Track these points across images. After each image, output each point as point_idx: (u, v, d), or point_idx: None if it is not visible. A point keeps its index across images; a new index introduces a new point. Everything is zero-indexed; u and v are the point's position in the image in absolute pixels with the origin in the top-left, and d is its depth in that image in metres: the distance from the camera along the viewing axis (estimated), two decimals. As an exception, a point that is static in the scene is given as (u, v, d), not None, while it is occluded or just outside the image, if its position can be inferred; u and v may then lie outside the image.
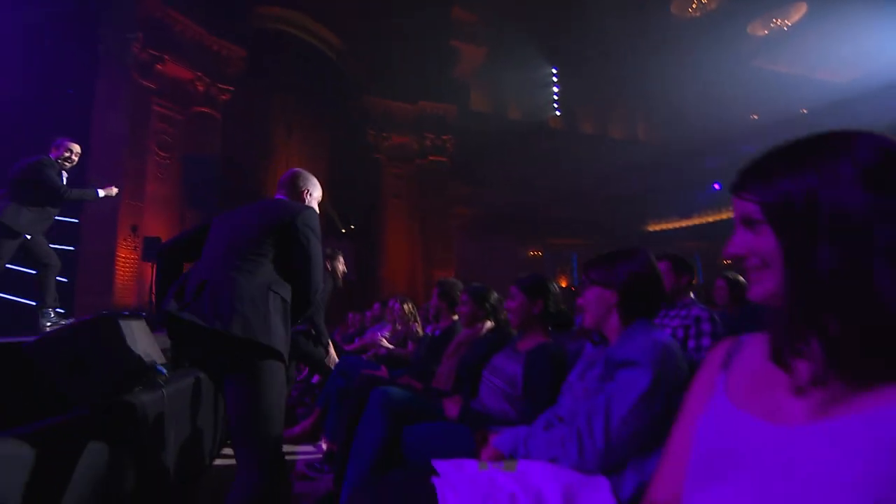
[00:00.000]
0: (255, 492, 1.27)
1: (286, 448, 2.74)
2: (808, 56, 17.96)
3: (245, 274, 1.43)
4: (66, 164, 3.59)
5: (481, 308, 2.20)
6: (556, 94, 18.39)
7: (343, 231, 12.00)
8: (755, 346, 0.62)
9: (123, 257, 7.69)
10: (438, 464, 0.92)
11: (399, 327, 3.96)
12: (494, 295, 2.24)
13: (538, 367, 1.41)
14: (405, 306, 3.90)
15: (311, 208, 1.73)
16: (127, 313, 4.32)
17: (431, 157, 13.79)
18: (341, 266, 3.56)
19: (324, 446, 2.53)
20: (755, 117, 19.86)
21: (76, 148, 3.63)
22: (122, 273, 7.54)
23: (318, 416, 2.98)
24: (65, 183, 3.55)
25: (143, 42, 8.35)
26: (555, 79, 18.31)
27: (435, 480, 0.85)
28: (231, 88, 10.23)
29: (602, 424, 0.85)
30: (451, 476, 0.86)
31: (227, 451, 2.83)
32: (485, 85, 17.05)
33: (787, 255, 0.53)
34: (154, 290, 7.11)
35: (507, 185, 16.70)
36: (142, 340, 1.66)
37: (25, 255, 3.54)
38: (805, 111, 17.91)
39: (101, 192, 3.81)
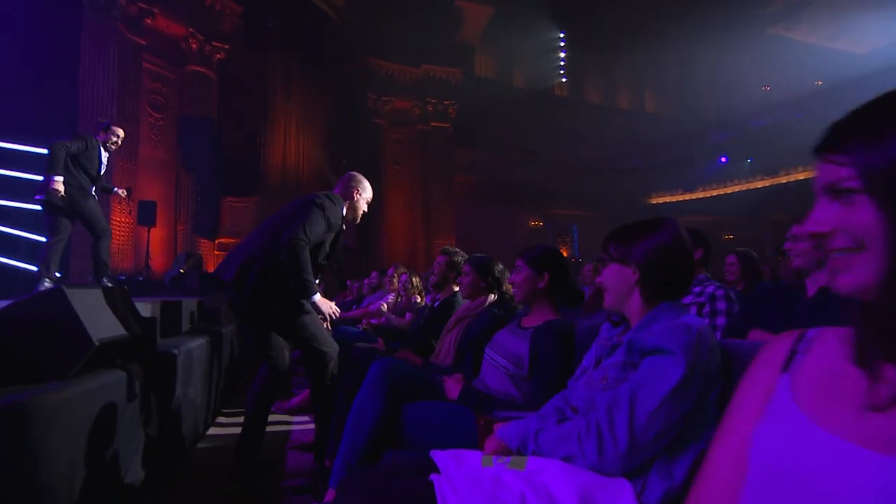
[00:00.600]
0: None
1: (282, 420, 2.77)
2: (827, 24, 17.29)
3: None
4: (112, 146, 3.99)
5: (484, 279, 2.08)
6: (562, 59, 17.82)
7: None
8: (830, 344, 0.51)
9: (118, 221, 7.54)
10: (437, 456, 0.82)
11: (401, 298, 3.87)
12: (499, 266, 2.12)
13: (545, 345, 1.30)
14: (413, 279, 3.80)
15: (337, 197, 2.15)
16: (90, 283, 4.25)
17: (434, 123, 13.45)
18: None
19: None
20: (767, 88, 19.34)
21: (120, 132, 4.04)
22: (116, 237, 7.40)
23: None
24: (104, 163, 3.95)
25: (129, -5, 7.94)
26: (562, 44, 17.71)
27: (434, 478, 0.76)
28: (226, 47, 9.83)
29: (626, 420, 0.74)
30: (452, 472, 0.77)
31: (223, 419, 2.79)
32: (490, 49, 16.48)
33: (892, 235, 0.42)
34: (149, 255, 6.90)
35: (510, 153, 16.39)
36: (97, 314, 1.52)
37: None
38: (820, 83, 17.38)
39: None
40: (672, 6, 15.39)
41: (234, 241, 9.68)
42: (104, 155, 3.96)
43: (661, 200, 17.43)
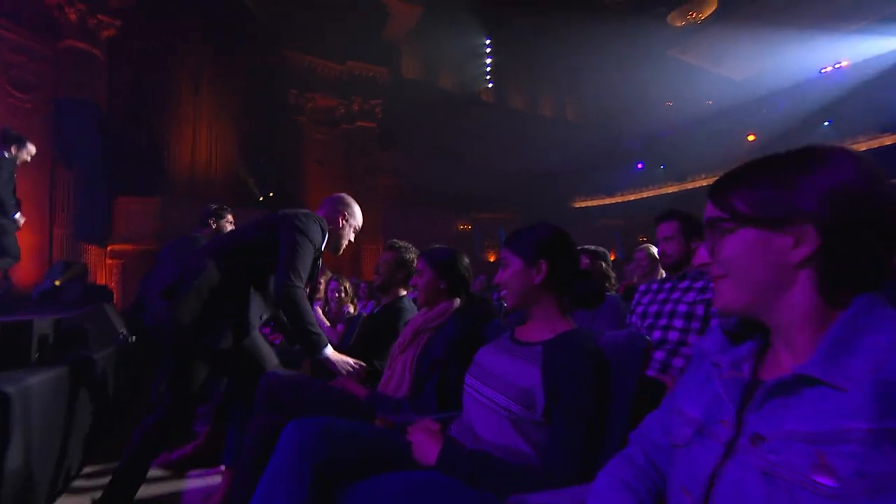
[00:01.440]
0: None
1: (168, 478, 2.01)
2: (711, 50, 19.29)
3: None
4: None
5: (445, 279, 1.60)
6: (488, 65, 18.02)
7: (260, 199, 10.77)
8: None
9: (-33, 223, 6.07)
10: None
11: (329, 307, 3.31)
12: (464, 260, 1.67)
13: (571, 372, 0.89)
14: (344, 285, 3.27)
15: (319, 218, 1.85)
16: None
17: (359, 123, 12.80)
18: (229, 226, 3.14)
19: (223, 475, 1.83)
20: (669, 104, 21.14)
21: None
22: (-36, 242, 5.96)
23: (215, 427, 2.27)
24: None
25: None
26: (488, 49, 17.91)
27: None
28: (117, 23, 8.51)
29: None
30: None
31: (82, 481, 2.07)
32: (417, 50, 16.19)
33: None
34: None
35: (437, 156, 16.21)
36: None
37: None
38: (710, 102, 19.34)
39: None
40: (587, 22, 16.17)
41: (131, 248, 8.36)
42: None
43: (583, 204, 18.16)
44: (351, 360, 1.72)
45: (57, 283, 5.71)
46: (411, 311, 2.01)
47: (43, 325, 2.12)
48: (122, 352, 2.32)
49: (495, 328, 1.44)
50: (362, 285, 5.15)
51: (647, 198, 16.77)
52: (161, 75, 9.54)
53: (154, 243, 7.44)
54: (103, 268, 7.97)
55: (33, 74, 7.50)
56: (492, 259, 16.43)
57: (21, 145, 3.59)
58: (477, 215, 17.00)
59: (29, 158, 3.64)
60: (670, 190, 16.38)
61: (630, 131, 20.17)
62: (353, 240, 2.06)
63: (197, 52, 10.27)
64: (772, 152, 0.58)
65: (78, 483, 1.98)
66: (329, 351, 1.69)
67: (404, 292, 2.12)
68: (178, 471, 2.11)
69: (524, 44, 17.58)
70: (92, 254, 7.71)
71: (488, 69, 18.09)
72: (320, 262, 1.88)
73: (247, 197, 10.62)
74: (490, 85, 18.40)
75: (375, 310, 2.27)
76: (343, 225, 1.98)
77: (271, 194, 10.90)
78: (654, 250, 2.84)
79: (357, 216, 2.03)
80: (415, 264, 2.01)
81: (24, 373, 1.68)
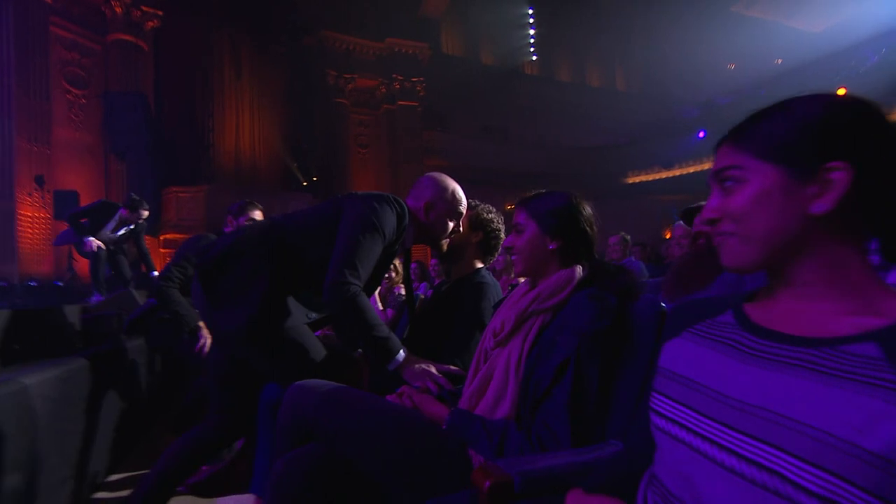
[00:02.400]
0: None
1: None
2: (784, 2, 17.51)
3: None
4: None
5: (558, 236, 1.09)
6: (532, 36, 17.13)
7: (304, 184, 10.70)
8: None
9: (29, 216, 6.27)
10: None
11: (379, 291, 2.97)
12: (587, 210, 1.12)
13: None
14: (394, 263, 2.89)
15: (400, 203, 1.47)
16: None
17: (401, 102, 12.44)
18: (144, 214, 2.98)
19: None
20: (731, 67, 19.43)
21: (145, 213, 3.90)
22: (28, 235, 6.17)
23: (245, 447, 1.84)
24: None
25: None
26: (531, 20, 17.00)
27: None
28: (160, 13, 8.54)
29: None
30: None
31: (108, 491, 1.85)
32: (456, 25, 15.59)
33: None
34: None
35: (483, 134, 15.66)
36: None
37: None
38: (780, 61, 17.52)
39: None
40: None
41: (182, 236, 8.50)
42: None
43: (637, 179, 17.08)
44: (434, 369, 1.30)
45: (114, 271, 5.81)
46: (495, 288, 1.56)
47: (72, 311, 1.91)
48: (155, 339, 2.08)
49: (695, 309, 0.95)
50: (413, 265, 4.81)
51: (710, 170, 15.45)
52: (203, 63, 9.56)
53: (204, 230, 7.47)
54: (157, 256, 8.13)
55: (85, 70, 7.63)
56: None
57: (144, 206, 3.95)
58: (525, 193, 16.37)
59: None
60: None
61: (687, 98, 18.74)
62: (459, 228, 1.59)
63: (237, 38, 10.23)
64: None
65: (102, 495, 1.74)
66: (403, 356, 1.31)
67: (481, 265, 1.65)
68: (205, 494, 1.76)
69: (568, 10, 16.58)
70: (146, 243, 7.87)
71: (532, 40, 17.21)
72: (396, 259, 1.53)
73: (291, 182, 10.58)
74: (534, 57, 17.52)
75: (428, 292, 1.87)
76: (432, 217, 1.53)
77: (315, 178, 10.80)
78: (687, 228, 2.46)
79: (459, 200, 1.55)
80: (495, 225, 1.61)
81: (40, 365, 1.45)
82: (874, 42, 14.45)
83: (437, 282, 4.69)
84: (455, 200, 1.54)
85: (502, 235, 1.66)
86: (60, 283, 5.64)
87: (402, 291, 2.96)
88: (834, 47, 15.15)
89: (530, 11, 16.89)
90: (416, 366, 1.30)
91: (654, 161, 17.12)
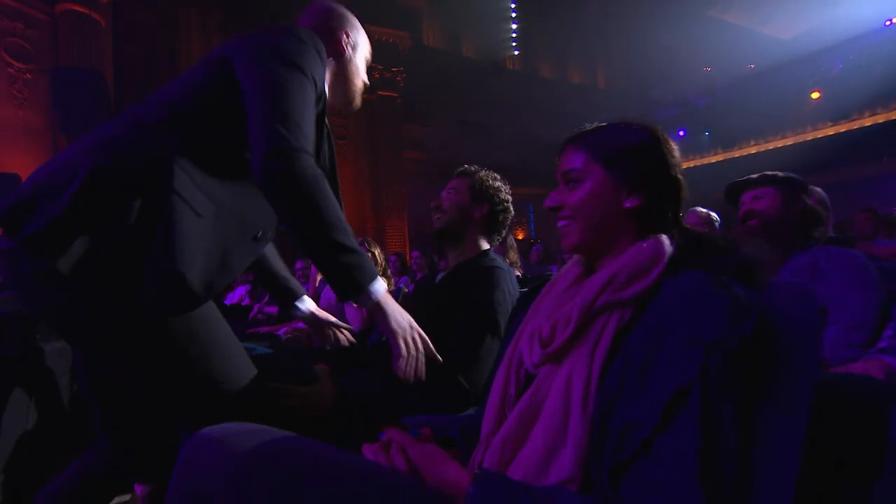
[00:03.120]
0: None
1: None
2: (756, 9, 17.93)
3: None
4: None
5: (638, 187, 0.75)
6: (514, 30, 16.92)
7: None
8: None
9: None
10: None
11: None
12: (676, 153, 0.71)
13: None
14: (373, 251, 2.47)
15: (314, 38, 0.96)
16: None
17: (380, 92, 12.00)
18: None
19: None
20: (708, 69, 19.75)
21: None
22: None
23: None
24: None
25: None
26: (513, 14, 16.78)
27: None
28: (118, -15, 7.87)
29: None
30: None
31: None
32: (438, 15, 15.22)
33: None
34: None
35: (463, 128, 15.39)
36: None
37: None
38: (752, 66, 17.90)
39: None
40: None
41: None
42: None
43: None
44: (420, 336, 0.90)
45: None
46: (510, 276, 1.22)
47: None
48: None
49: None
50: (392, 258, 4.41)
51: (692, 168, 15.62)
52: (169, 41, 8.91)
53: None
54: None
55: (30, 42, 6.94)
56: (520, 237, 15.62)
57: None
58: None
59: None
60: (716, 159, 15.20)
61: (665, 98, 18.94)
62: (367, 81, 1.18)
63: (207, 18, 9.60)
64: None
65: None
66: (380, 289, 0.87)
67: (487, 245, 1.34)
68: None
69: (551, 6, 16.43)
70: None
71: (514, 35, 17.00)
72: (327, 123, 1.04)
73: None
74: (516, 52, 17.31)
75: (425, 283, 1.53)
76: (346, 48, 1.12)
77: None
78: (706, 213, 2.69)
79: (364, 34, 1.18)
80: (503, 195, 1.34)
81: None
82: (840, 49, 14.86)
83: (418, 275, 4.32)
84: (365, 36, 1.18)
85: (511, 209, 1.38)
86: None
87: (388, 285, 2.60)
88: (803, 53, 15.55)
89: (513, 5, 16.67)
90: (402, 316, 0.88)
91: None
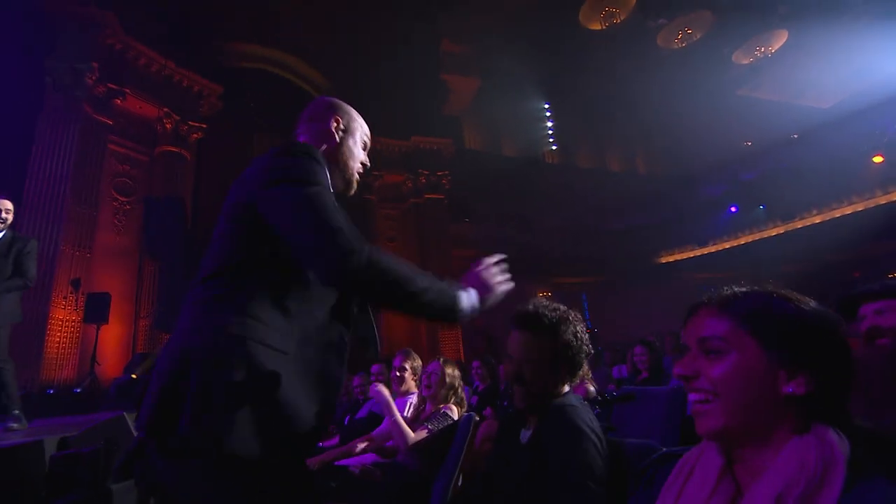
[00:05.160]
0: None
1: None
2: (792, 83, 18.06)
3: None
4: None
5: (797, 360, 0.63)
6: (550, 128, 17.91)
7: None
8: None
9: (60, 319, 6.25)
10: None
11: (426, 404, 2.30)
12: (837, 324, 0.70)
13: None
14: (447, 369, 2.25)
15: (312, 150, 1.06)
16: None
17: (427, 196, 12.76)
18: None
19: None
20: (748, 144, 19.65)
21: (6, 204, 3.02)
22: (56, 339, 6.10)
23: None
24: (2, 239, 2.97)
25: (98, 74, 7.32)
26: (548, 113, 17.90)
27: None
28: (204, 126, 9.24)
29: None
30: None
31: None
32: (478, 120, 16.50)
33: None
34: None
35: (508, 223, 15.78)
36: None
37: None
38: (796, 136, 17.67)
39: None
40: (647, 70, 15.77)
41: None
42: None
43: (671, 258, 16.57)
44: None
45: (134, 375, 5.56)
46: (589, 414, 1.15)
47: (51, 444, 1.59)
48: (147, 476, 1.72)
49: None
50: (476, 366, 4.17)
51: (747, 243, 14.92)
52: (242, 166, 10.09)
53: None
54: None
55: (132, 179, 8.12)
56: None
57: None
58: (556, 280, 15.99)
59: (3, 213, 3.01)
60: (775, 232, 14.49)
61: (710, 177, 18.76)
62: (366, 163, 1.26)
63: (271, 142, 10.89)
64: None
65: None
66: (468, 295, 1.02)
67: (567, 388, 1.24)
68: None
69: (585, 101, 17.41)
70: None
71: (551, 132, 17.97)
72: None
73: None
74: (554, 147, 18.16)
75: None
76: (338, 134, 1.19)
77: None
78: None
79: (357, 119, 1.25)
80: (579, 341, 1.21)
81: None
82: (889, 110, 14.43)
83: (480, 386, 4.16)
84: (359, 118, 1.25)
85: (589, 347, 1.24)
86: (79, 390, 5.42)
87: (453, 410, 2.24)
88: (847, 118, 15.17)
89: (547, 105, 17.83)
90: (485, 279, 1.05)
91: (688, 240, 16.74)
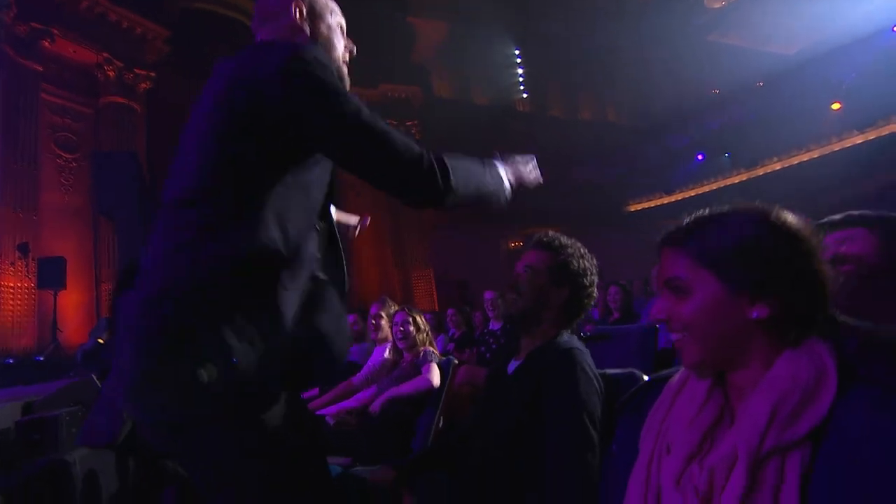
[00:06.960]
0: None
1: None
2: (762, 27, 18.06)
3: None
4: None
5: None
6: (521, 75, 17.48)
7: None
8: None
9: (11, 286, 5.92)
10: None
11: (401, 354, 2.28)
12: None
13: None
14: (416, 318, 2.24)
15: (304, 46, 0.87)
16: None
17: (397, 146, 12.42)
18: None
19: None
20: (716, 92, 19.79)
21: None
22: (9, 307, 5.80)
23: None
24: None
25: (16, 10, 6.53)
26: (518, 59, 17.40)
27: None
28: (153, 74, 8.53)
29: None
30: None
31: None
32: (447, 68, 15.93)
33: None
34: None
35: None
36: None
37: None
38: (761, 84, 17.89)
39: None
40: (618, 19, 15.43)
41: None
42: None
43: (639, 206, 16.97)
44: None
45: (101, 340, 5.38)
46: (587, 357, 1.12)
47: (13, 409, 1.50)
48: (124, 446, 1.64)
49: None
50: (427, 316, 4.27)
51: (716, 190, 15.36)
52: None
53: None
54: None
55: (76, 134, 7.52)
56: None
57: None
58: (527, 230, 16.17)
59: None
60: (739, 179, 14.93)
61: (678, 126, 18.94)
62: (353, 47, 1.08)
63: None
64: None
65: None
66: (503, 178, 1.03)
67: (562, 331, 1.19)
68: None
69: (556, 48, 16.98)
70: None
71: (521, 79, 17.55)
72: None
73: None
74: (525, 95, 17.80)
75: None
76: (306, 25, 0.97)
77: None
78: None
79: (330, 7, 1.02)
80: (590, 278, 1.18)
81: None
82: (850, 59, 14.69)
83: (455, 333, 4.22)
84: (331, 3, 1.02)
85: (595, 294, 1.20)
86: (41, 358, 5.22)
87: (431, 351, 2.24)
88: (810, 66, 15.40)
89: (517, 51, 17.30)
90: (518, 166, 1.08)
91: (655, 188, 17.08)
